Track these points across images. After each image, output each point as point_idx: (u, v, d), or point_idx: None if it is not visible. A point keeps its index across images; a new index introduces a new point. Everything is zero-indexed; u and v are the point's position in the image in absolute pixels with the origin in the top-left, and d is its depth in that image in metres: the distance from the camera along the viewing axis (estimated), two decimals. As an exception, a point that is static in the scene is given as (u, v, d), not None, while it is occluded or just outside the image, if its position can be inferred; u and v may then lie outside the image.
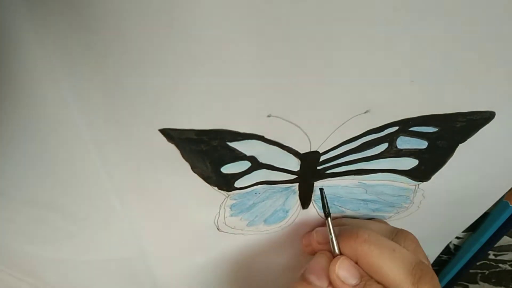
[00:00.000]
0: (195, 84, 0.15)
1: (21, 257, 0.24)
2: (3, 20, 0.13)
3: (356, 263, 0.21)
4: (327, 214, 0.22)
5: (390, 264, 0.19)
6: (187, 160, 0.18)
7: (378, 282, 0.20)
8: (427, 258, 0.22)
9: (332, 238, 0.21)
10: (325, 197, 0.23)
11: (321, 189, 0.23)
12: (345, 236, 0.21)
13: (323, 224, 0.26)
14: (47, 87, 0.15)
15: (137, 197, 0.21)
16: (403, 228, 0.24)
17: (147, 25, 0.13)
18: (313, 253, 0.24)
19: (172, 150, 0.18)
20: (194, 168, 0.19)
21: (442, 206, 0.24)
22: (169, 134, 0.17)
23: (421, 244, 0.26)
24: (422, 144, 0.19)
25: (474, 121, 0.18)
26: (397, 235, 0.22)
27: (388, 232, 0.23)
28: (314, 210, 0.25)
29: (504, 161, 0.21)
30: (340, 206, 0.24)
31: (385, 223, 0.25)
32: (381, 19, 0.13)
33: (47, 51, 0.14)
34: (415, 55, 0.15)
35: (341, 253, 0.21)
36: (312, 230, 0.25)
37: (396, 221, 0.26)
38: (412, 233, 0.24)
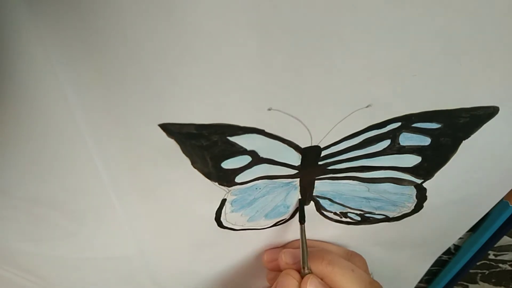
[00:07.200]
0: (195, 78, 0.15)
1: (20, 255, 0.24)
2: (2, 18, 0.13)
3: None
4: (302, 223, 0.24)
5: (350, 282, 0.23)
6: (187, 155, 0.18)
7: None
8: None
9: (304, 257, 0.24)
10: (303, 208, 0.24)
11: (300, 200, 0.24)
12: (312, 258, 0.24)
13: (323, 221, 0.26)
14: (46, 84, 0.15)
15: (137, 194, 0.21)
16: (407, 229, 0.26)
17: (145, 18, 0.13)
18: (275, 269, 0.27)
19: (172, 146, 0.18)
20: (194, 164, 0.19)
21: (446, 207, 0.24)
22: (169, 129, 0.17)
23: (423, 246, 0.29)
24: (425, 141, 0.19)
25: (478, 116, 0.18)
26: (352, 256, 0.27)
27: (345, 254, 0.27)
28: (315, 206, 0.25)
29: (508, 157, 0.20)
30: (341, 204, 0.24)
31: (342, 246, 0.29)
32: (383, 10, 0.13)
33: (45, 46, 0.14)
34: (417, 48, 0.15)
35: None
36: (266, 249, 0.28)
37: (400, 223, 0.26)
38: (415, 234, 0.27)
